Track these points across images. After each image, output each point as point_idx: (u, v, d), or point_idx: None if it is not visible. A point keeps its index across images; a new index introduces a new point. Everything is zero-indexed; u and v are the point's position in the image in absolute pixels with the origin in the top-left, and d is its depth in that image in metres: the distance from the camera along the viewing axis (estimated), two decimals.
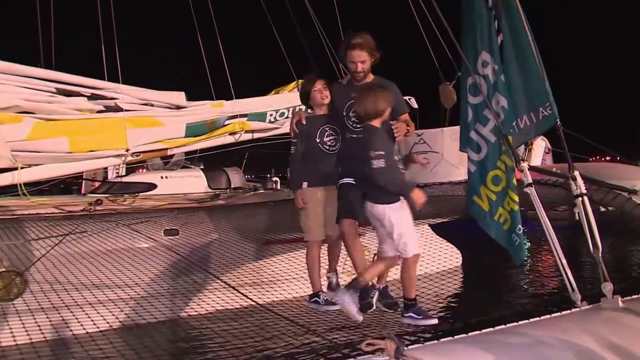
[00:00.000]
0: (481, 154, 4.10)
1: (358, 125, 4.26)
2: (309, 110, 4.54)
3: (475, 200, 4.14)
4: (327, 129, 4.30)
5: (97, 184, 8.21)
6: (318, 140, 4.28)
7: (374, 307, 4.17)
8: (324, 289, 4.38)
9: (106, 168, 8.31)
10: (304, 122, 4.31)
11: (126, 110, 6.18)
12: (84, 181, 8.56)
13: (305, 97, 4.40)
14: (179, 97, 6.89)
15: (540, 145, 8.86)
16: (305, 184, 4.24)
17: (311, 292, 4.37)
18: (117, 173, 8.19)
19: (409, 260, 3.86)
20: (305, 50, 8.39)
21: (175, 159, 9.18)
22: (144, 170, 9.27)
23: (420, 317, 3.87)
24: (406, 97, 8.99)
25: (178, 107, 6.89)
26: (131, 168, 8.28)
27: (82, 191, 8.44)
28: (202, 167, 9.70)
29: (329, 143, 4.31)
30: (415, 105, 9.06)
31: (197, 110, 7.06)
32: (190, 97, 7.18)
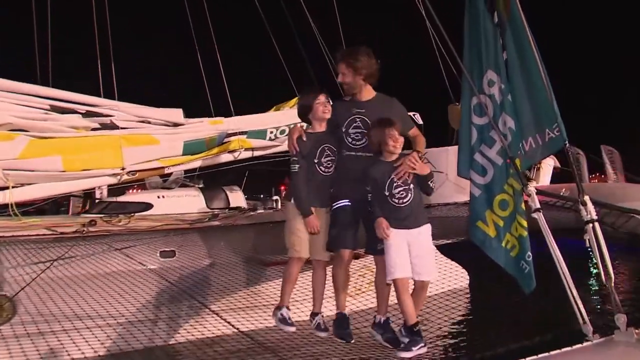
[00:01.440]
0: (487, 177, 4.03)
1: (358, 143, 4.22)
2: (307, 126, 4.47)
3: (479, 226, 4.06)
4: (326, 149, 4.24)
5: (81, 205, 8.15)
6: (316, 161, 4.20)
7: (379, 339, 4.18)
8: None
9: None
10: (305, 139, 4.21)
11: (122, 128, 6.12)
12: (71, 200, 8.51)
13: (306, 111, 4.30)
14: (176, 114, 6.85)
15: (549, 164, 8.77)
16: (313, 208, 4.17)
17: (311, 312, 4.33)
18: (100, 194, 8.13)
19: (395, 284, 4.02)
20: (308, 66, 8.38)
21: (173, 177, 9.13)
22: (135, 190, 9.20)
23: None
24: (411, 113, 8.92)
25: (175, 125, 6.84)
26: (115, 189, 8.22)
27: (70, 211, 8.39)
28: (201, 185, 9.65)
29: (325, 164, 4.25)
30: (420, 122, 9.00)
31: (195, 128, 7.01)
32: (188, 114, 7.14)
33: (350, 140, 4.25)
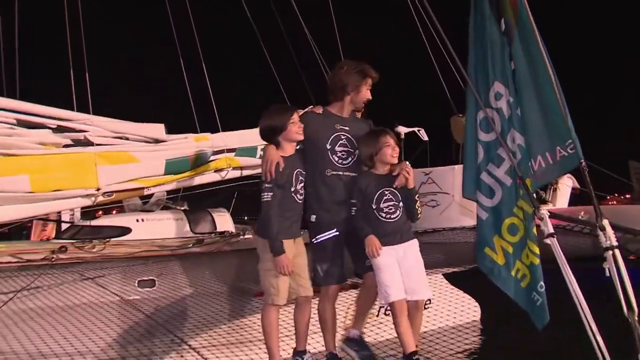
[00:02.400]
0: (495, 199, 4.03)
1: (344, 162, 4.24)
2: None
3: (486, 253, 4.07)
4: (299, 174, 4.22)
5: (48, 229, 8.10)
6: (292, 190, 4.16)
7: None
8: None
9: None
10: (282, 167, 4.13)
11: (97, 145, 6.10)
12: (34, 224, 8.44)
13: (276, 131, 4.20)
14: (157, 129, 6.85)
15: (567, 184, 8.73)
16: (284, 242, 4.10)
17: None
18: (71, 217, 8.09)
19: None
20: (302, 78, 8.40)
21: (154, 199, 9.08)
22: (109, 213, 9.16)
23: None
24: (415, 129, 9.00)
25: (156, 141, 6.84)
26: (89, 212, 8.18)
27: (33, 236, 8.32)
28: (185, 207, 9.59)
29: (301, 192, 4.23)
30: (425, 138, 9.02)
31: (178, 145, 7.00)
32: (171, 130, 7.14)
33: (336, 159, 4.30)
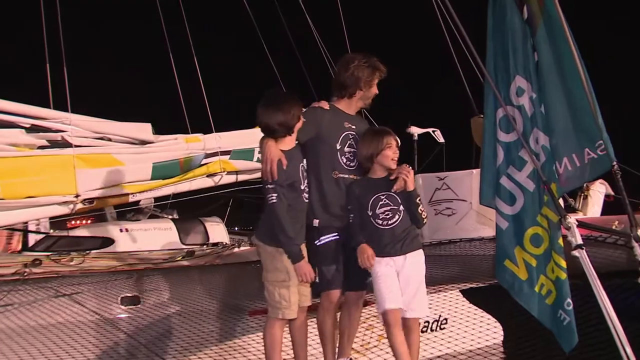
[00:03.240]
0: (516, 207, 4.02)
1: (352, 165, 4.37)
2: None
3: (507, 266, 4.07)
4: (303, 169, 4.21)
5: (14, 241, 8.09)
6: (302, 187, 4.15)
7: None
8: None
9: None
10: (285, 164, 4.09)
11: (76, 146, 6.12)
12: None
13: (288, 127, 4.13)
14: (143, 129, 6.87)
15: (600, 190, 8.69)
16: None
17: None
18: (37, 227, 8.09)
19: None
20: (304, 73, 8.41)
21: (141, 207, 9.08)
22: (77, 222, 9.15)
23: None
24: (430, 129, 8.99)
25: (143, 143, 6.86)
26: (60, 221, 8.18)
27: None
28: (175, 216, 9.60)
29: (307, 190, 4.22)
30: (442, 140, 9.01)
31: (167, 146, 7.02)
32: (159, 130, 7.14)
33: (344, 160, 4.37)
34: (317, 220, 4.32)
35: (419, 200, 4.32)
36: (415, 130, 8.81)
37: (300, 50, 9.16)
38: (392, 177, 4.26)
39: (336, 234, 4.33)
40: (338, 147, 4.33)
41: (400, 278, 4.21)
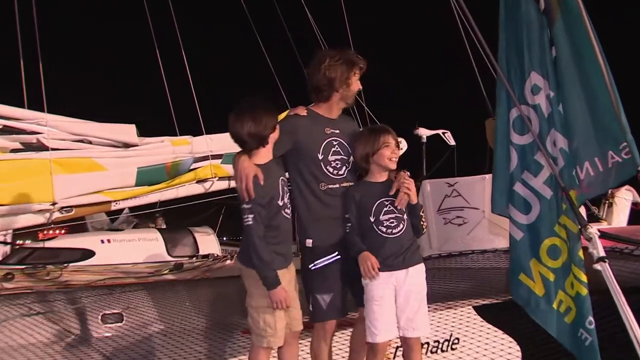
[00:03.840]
0: (532, 216, 4.00)
1: (340, 173, 4.30)
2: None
3: (522, 281, 4.04)
4: (282, 183, 4.15)
5: None
6: (281, 203, 4.09)
7: None
8: None
9: None
10: (262, 179, 3.97)
11: (53, 149, 6.11)
12: None
13: (262, 139, 4.03)
14: (127, 131, 6.88)
15: (626, 197, 8.69)
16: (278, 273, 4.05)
17: None
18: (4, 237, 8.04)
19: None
20: (302, 69, 8.38)
21: (124, 215, 9.09)
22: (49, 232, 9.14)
23: None
24: (440, 131, 8.98)
25: (126, 146, 6.86)
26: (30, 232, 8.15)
27: None
28: (162, 226, 9.62)
29: (289, 205, 4.18)
30: (452, 142, 8.99)
31: (153, 150, 7.02)
32: (144, 132, 7.13)
33: (331, 170, 4.28)
34: (310, 240, 4.27)
35: (422, 211, 4.30)
36: (424, 132, 8.80)
37: (300, 48, 9.14)
38: (392, 192, 4.20)
39: (336, 253, 4.26)
40: (320, 157, 4.24)
41: (400, 294, 4.16)
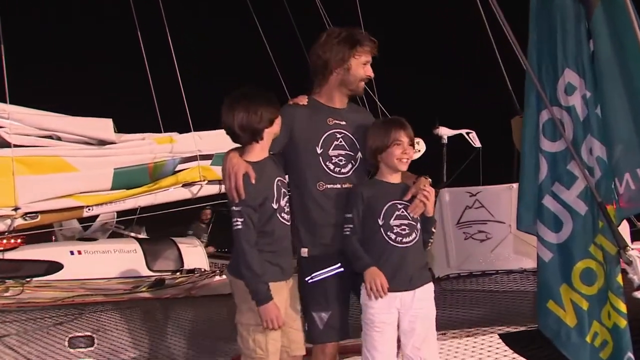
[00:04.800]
0: (563, 234, 4.00)
1: (343, 171, 4.26)
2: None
3: (550, 309, 4.04)
4: (280, 184, 4.15)
5: None
6: (276, 207, 4.09)
7: None
8: None
9: None
10: (254, 178, 4.02)
11: (16, 146, 6.15)
12: None
13: (255, 133, 4.07)
14: (103, 126, 6.90)
15: None
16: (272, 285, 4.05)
17: None
18: None
19: None
20: (305, 58, 8.41)
21: (99, 223, 9.10)
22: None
23: None
24: (463, 131, 8.97)
25: (102, 143, 6.88)
26: None
27: None
28: (143, 235, 9.63)
29: (286, 209, 4.17)
30: (478, 144, 8.97)
31: (133, 148, 7.05)
32: (123, 128, 7.15)
33: (331, 167, 4.25)
34: (306, 250, 4.25)
35: (434, 228, 4.26)
36: (445, 132, 8.78)
37: (303, 37, 9.15)
38: (407, 198, 4.15)
39: (338, 265, 4.23)
40: (319, 151, 4.21)
41: (404, 319, 4.11)
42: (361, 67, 4.30)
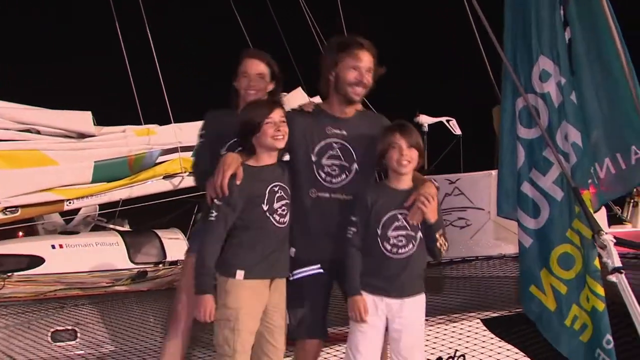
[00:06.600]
0: (541, 220, 4.00)
1: (335, 181, 4.25)
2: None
3: (533, 293, 4.03)
4: (277, 189, 4.17)
5: None
6: (266, 208, 4.12)
7: None
8: None
9: None
10: (240, 178, 4.08)
11: None
12: None
13: (246, 132, 4.15)
14: (82, 119, 6.88)
15: None
16: (240, 273, 4.07)
17: None
18: None
19: None
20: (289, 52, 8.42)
21: (81, 216, 9.07)
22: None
23: None
24: (444, 119, 9.00)
25: (81, 136, 6.85)
26: None
27: None
28: (125, 227, 9.60)
29: (280, 212, 4.17)
30: (458, 131, 9.00)
31: (113, 141, 7.03)
32: (102, 120, 7.13)
33: (323, 175, 4.24)
34: (293, 250, 4.26)
35: (441, 233, 4.19)
36: (426, 120, 8.81)
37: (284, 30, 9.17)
38: (408, 204, 4.11)
39: (318, 266, 4.26)
40: (314, 159, 4.22)
41: (392, 327, 4.11)
42: (348, 71, 4.26)
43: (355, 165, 4.30)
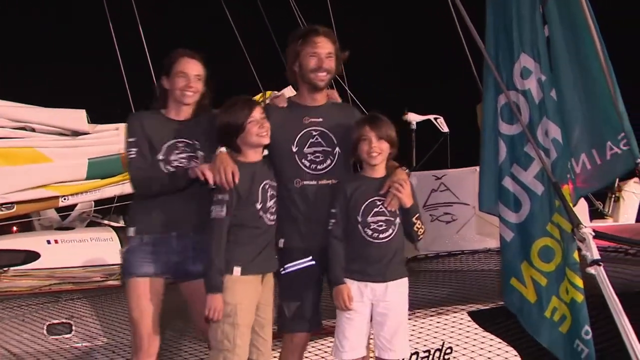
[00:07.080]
0: (522, 214, 4.04)
1: (320, 167, 4.27)
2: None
3: (514, 286, 4.07)
4: (268, 187, 4.20)
5: None
6: (259, 207, 4.14)
7: None
8: None
9: None
10: (237, 177, 4.07)
11: None
12: None
13: (230, 132, 4.16)
14: (76, 117, 6.85)
15: (635, 191, 8.69)
16: (237, 270, 4.09)
17: None
18: None
19: None
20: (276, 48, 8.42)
21: (77, 212, 9.06)
22: None
23: None
24: (431, 116, 9.01)
25: (76, 134, 6.83)
26: None
27: None
28: (120, 223, 9.59)
29: (272, 210, 4.20)
30: (446, 129, 9.01)
31: (107, 138, 7.00)
32: (97, 118, 7.11)
33: (307, 164, 4.27)
34: (282, 240, 4.28)
35: (417, 217, 4.25)
36: (414, 118, 8.81)
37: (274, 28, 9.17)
38: (383, 192, 4.17)
39: (310, 258, 4.28)
40: (295, 150, 4.25)
41: (376, 311, 4.17)
42: (308, 58, 4.30)
43: (337, 149, 4.34)
